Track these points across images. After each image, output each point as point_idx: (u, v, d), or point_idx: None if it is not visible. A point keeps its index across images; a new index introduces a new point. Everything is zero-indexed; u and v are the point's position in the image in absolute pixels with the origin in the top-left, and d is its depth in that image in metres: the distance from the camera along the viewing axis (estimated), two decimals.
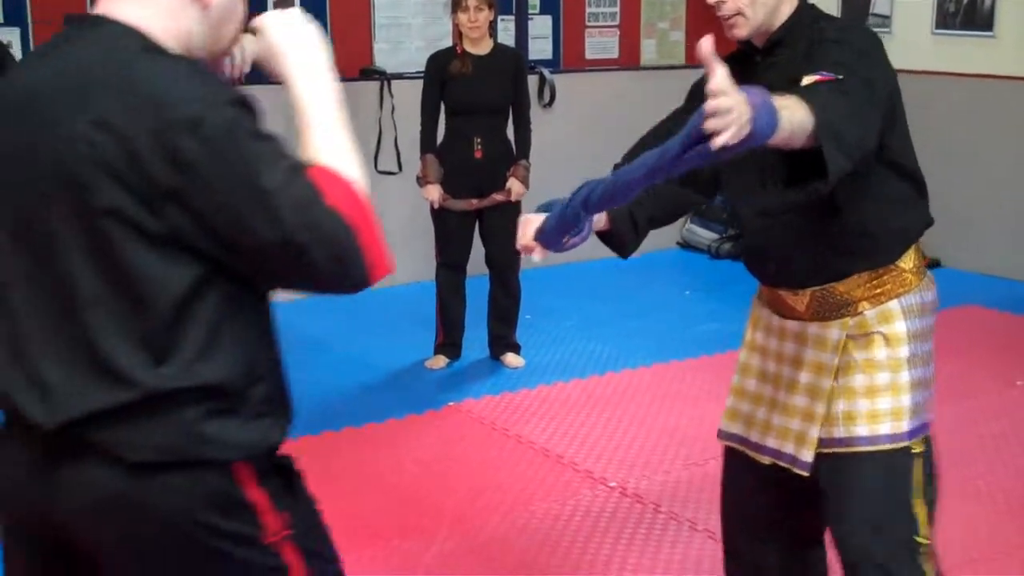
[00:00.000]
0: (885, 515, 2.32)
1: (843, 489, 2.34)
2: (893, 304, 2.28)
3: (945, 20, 6.91)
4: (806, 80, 2.02)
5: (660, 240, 7.08)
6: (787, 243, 2.33)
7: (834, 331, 2.31)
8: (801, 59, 2.16)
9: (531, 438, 4.43)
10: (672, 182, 2.32)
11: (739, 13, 2.24)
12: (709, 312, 5.91)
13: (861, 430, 2.30)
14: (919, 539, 2.33)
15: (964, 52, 6.67)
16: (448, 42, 5.88)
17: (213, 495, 1.64)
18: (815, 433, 2.33)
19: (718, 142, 1.64)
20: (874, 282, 2.28)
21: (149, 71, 1.54)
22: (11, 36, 5.48)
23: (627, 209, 2.39)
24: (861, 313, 2.29)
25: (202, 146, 1.49)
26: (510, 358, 5.30)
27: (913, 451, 2.31)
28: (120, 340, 1.56)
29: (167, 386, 1.56)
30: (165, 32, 1.64)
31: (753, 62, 2.31)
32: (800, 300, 2.35)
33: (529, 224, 2.25)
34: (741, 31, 2.26)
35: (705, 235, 7.51)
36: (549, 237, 2.20)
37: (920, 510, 2.33)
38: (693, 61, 7.75)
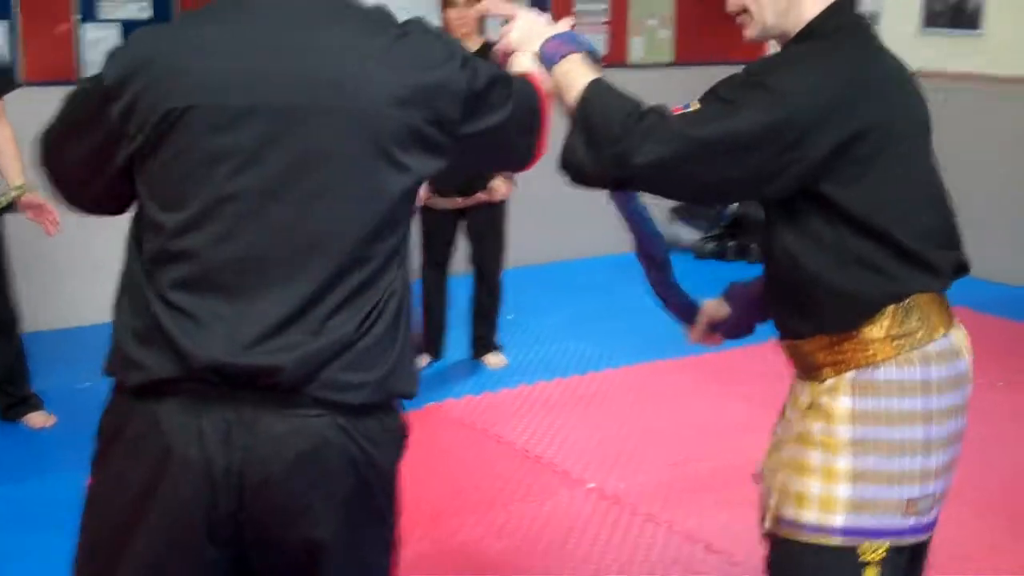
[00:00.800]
0: None
1: None
2: (848, 375, 1.96)
3: (933, 19, 6.90)
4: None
5: None
6: (767, 289, 2.15)
7: (805, 392, 2.04)
8: None
9: (511, 438, 4.41)
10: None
11: (744, 11, 2.06)
12: None
13: (788, 511, 2.00)
14: None
15: (952, 51, 6.66)
16: None
17: (394, 439, 1.80)
18: (773, 502, 2.06)
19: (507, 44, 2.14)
20: (835, 348, 1.97)
21: (405, 37, 1.77)
22: None
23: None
24: (825, 379, 1.99)
25: (473, 82, 1.79)
26: (491, 358, 5.28)
27: (861, 557, 1.94)
28: (354, 280, 1.70)
29: (387, 321, 1.72)
30: None
31: None
32: (784, 351, 2.11)
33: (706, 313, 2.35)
34: (749, 31, 2.08)
35: (689, 235, 7.50)
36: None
37: None
38: (681, 59, 7.75)
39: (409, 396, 1.80)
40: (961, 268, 2.04)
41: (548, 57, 2.07)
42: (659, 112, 1.94)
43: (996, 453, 4.25)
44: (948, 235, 2.03)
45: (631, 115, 1.93)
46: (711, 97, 1.94)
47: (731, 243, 7.39)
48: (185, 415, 1.68)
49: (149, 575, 1.72)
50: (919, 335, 1.95)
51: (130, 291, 1.73)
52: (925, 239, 1.96)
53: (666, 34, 7.71)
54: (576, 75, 2.03)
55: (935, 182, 2.04)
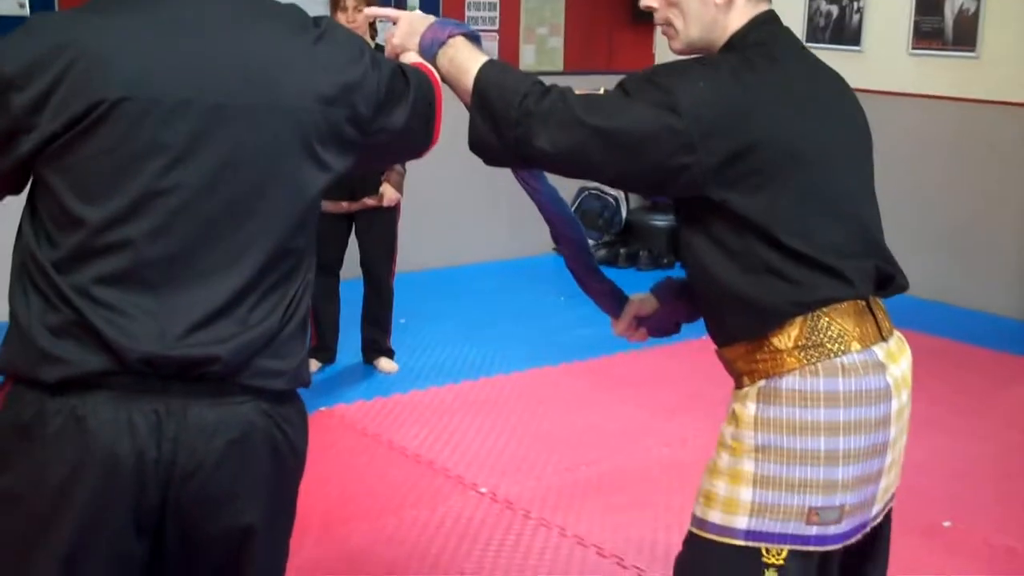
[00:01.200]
0: None
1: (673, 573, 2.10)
2: (760, 383, 1.96)
3: (815, 34, 7.08)
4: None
5: (535, 246, 7.11)
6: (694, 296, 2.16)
7: (732, 399, 2.05)
8: None
9: (403, 444, 4.39)
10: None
11: (669, 24, 2.07)
12: (583, 317, 5.89)
13: (696, 508, 2.03)
14: None
15: (833, 66, 6.82)
16: None
17: (305, 424, 1.86)
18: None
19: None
20: (750, 356, 1.98)
21: (323, 36, 1.81)
22: None
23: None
24: (743, 387, 2.01)
25: (380, 78, 1.86)
26: (383, 363, 5.26)
27: (764, 559, 1.95)
28: (275, 275, 1.75)
29: (300, 314, 1.81)
30: None
31: None
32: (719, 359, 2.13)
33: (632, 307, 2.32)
34: (674, 44, 2.08)
35: None
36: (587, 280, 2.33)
37: None
38: (571, 67, 7.82)
39: (307, 385, 1.86)
40: (886, 280, 2.03)
41: (427, 46, 2.10)
42: (560, 93, 1.97)
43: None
44: (862, 245, 2.01)
45: (529, 95, 1.96)
46: (617, 88, 1.98)
47: (622, 250, 7.48)
48: (114, 409, 1.66)
49: (68, 568, 1.69)
50: (830, 347, 1.93)
51: (37, 285, 1.69)
52: (830, 248, 1.95)
53: (556, 43, 7.79)
54: (464, 58, 2.06)
55: (850, 196, 2.03)
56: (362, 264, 5.21)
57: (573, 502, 3.92)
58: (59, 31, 1.68)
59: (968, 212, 6.56)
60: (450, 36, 2.09)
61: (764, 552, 1.95)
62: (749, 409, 1.97)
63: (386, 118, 1.88)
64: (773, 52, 2.02)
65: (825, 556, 2.02)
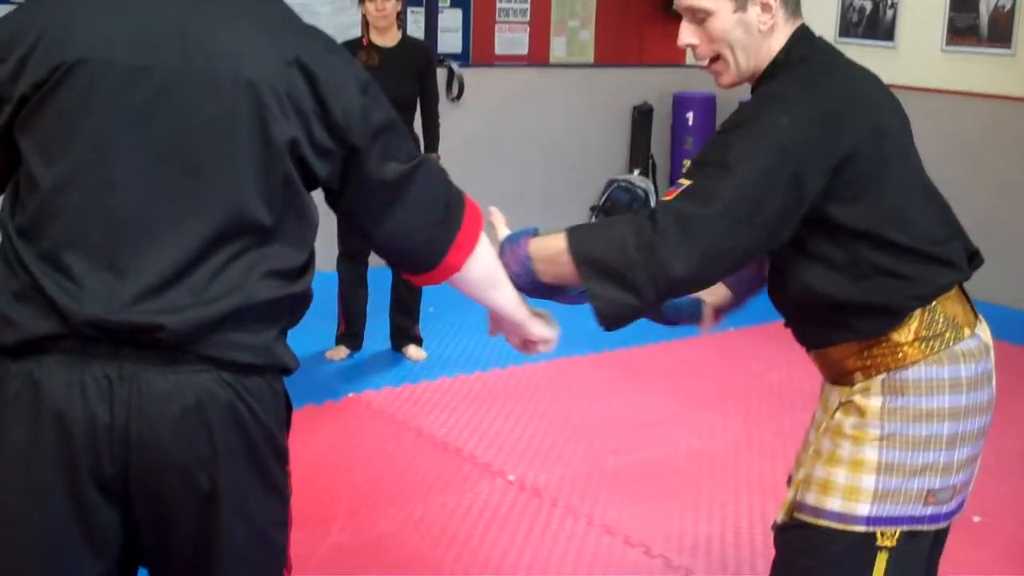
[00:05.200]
0: None
1: (776, 563, 2.14)
2: (881, 377, 2.00)
3: (848, 29, 7.06)
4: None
5: None
6: (779, 305, 2.15)
7: (835, 395, 2.09)
8: None
9: (431, 431, 4.41)
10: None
11: (718, 58, 2.03)
12: None
13: (809, 497, 2.04)
14: None
15: (866, 61, 6.78)
16: (357, 32, 5.81)
17: (279, 405, 1.79)
18: (791, 495, 2.10)
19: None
20: (864, 353, 2.01)
21: (315, 30, 1.81)
22: None
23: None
24: (856, 383, 2.04)
25: (368, 105, 1.78)
26: (411, 350, 5.28)
27: (877, 543, 2.00)
28: (236, 246, 1.70)
29: (274, 292, 1.73)
30: None
31: None
32: (812, 359, 2.15)
33: None
34: (724, 79, 2.05)
35: None
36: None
37: None
38: (602, 59, 7.82)
39: (289, 371, 1.80)
40: (974, 256, 2.09)
41: (520, 273, 2.03)
42: (663, 208, 1.91)
43: None
44: (949, 228, 2.06)
45: (640, 229, 1.90)
46: (702, 169, 1.94)
47: None
48: (67, 372, 1.66)
49: (40, 533, 1.69)
50: (948, 336, 2.00)
51: (5, 253, 1.71)
52: (933, 236, 2.01)
53: (587, 35, 7.78)
54: (548, 245, 1.99)
55: (925, 176, 2.09)
56: None
57: (600, 491, 3.92)
58: (37, 6, 1.74)
59: (1001, 207, 6.51)
60: (523, 247, 2.02)
61: (879, 536, 2.00)
62: (874, 401, 2.00)
63: (374, 158, 1.80)
64: (824, 61, 2.04)
65: (937, 535, 2.08)
